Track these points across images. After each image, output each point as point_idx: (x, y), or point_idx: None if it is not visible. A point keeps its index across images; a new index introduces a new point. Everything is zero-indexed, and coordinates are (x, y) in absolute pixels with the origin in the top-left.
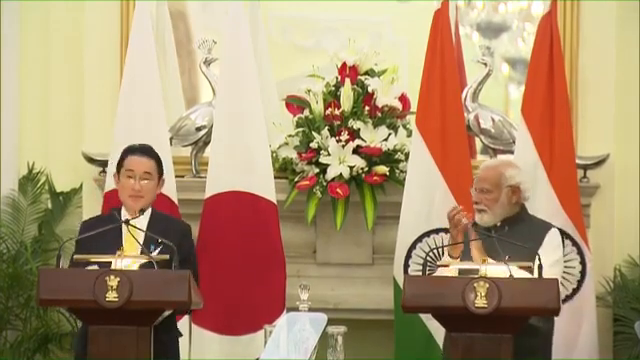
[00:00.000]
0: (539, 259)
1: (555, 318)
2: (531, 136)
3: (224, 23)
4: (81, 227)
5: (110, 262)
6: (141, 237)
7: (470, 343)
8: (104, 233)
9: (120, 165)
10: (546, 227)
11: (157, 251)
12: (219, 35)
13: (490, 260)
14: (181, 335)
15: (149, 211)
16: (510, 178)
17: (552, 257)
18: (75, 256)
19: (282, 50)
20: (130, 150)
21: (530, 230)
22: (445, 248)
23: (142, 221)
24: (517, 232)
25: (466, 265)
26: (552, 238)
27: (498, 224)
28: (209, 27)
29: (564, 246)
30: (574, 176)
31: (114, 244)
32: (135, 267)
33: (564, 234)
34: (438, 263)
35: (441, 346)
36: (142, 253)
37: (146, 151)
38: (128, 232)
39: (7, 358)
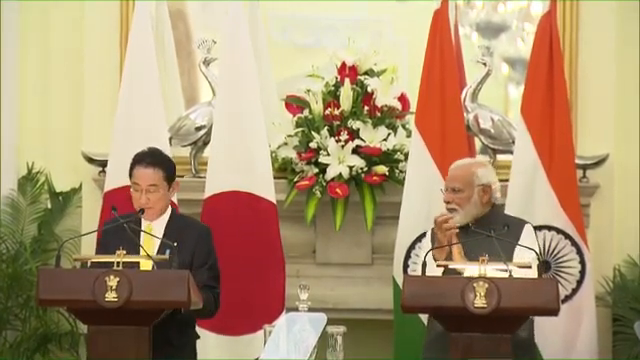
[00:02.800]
0: (538, 259)
1: (554, 318)
2: (530, 136)
3: (224, 23)
4: (104, 225)
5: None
6: (156, 239)
7: (469, 343)
8: (125, 234)
9: (130, 174)
10: (520, 224)
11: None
12: (219, 35)
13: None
14: (198, 337)
15: (168, 213)
16: (482, 177)
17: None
18: (74, 255)
19: (282, 50)
20: (138, 160)
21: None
22: (430, 251)
23: (160, 223)
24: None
25: (452, 264)
26: (527, 235)
27: (471, 224)
28: (209, 27)
29: (538, 241)
30: (574, 176)
31: (132, 245)
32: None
33: (565, 234)
34: (437, 263)
35: None
36: (159, 252)
37: (152, 162)
38: (144, 234)
39: (6, 358)
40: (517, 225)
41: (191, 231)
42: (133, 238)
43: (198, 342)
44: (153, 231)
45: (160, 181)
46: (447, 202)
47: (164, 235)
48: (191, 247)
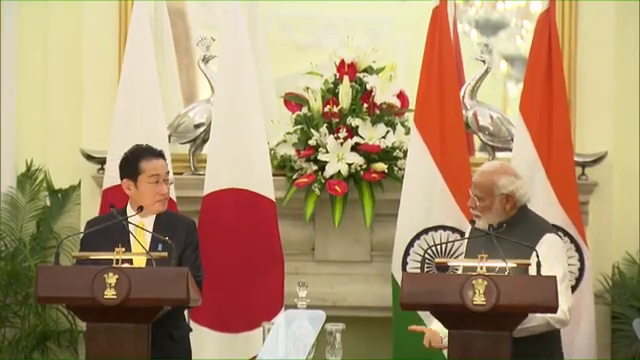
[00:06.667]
0: (537, 256)
1: None
2: (529, 133)
3: (223, 21)
4: (86, 226)
5: (110, 259)
6: (147, 235)
7: (469, 341)
8: (109, 232)
9: (136, 171)
10: (540, 232)
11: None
12: (218, 33)
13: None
14: (191, 330)
15: None
16: (502, 187)
17: (557, 273)
18: (74, 253)
19: (281, 47)
20: (143, 154)
21: (525, 234)
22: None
23: (149, 220)
24: (511, 235)
25: (452, 262)
26: (549, 249)
27: (495, 226)
28: (207, 24)
29: (566, 249)
30: (572, 173)
31: (120, 243)
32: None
33: (564, 232)
34: (436, 261)
35: None
36: (152, 249)
37: (159, 153)
38: (135, 231)
39: (5, 356)
40: (536, 233)
41: (180, 226)
42: (121, 236)
43: (197, 339)
44: (144, 225)
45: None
46: (470, 207)
47: (154, 231)
48: (182, 241)
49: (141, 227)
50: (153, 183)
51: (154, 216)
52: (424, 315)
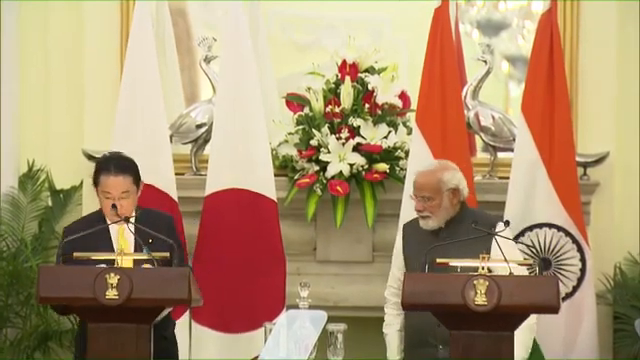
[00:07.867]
0: (538, 256)
1: (555, 316)
2: (531, 134)
3: (224, 21)
4: (65, 232)
5: (108, 260)
6: (129, 238)
7: (470, 341)
8: (92, 235)
9: (96, 181)
10: (491, 225)
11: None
12: (219, 32)
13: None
14: (174, 324)
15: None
16: (448, 181)
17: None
18: (75, 254)
19: (282, 48)
20: (104, 168)
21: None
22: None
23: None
24: (462, 231)
25: (454, 262)
26: (502, 239)
27: (442, 226)
28: (209, 24)
29: (516, 238)
30: (574, 174)
31: (104, 246)
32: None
33: (565, 232)
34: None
35: None
36: (136, 251)
37: (120, 169)
38: (118, 233)
39: (7, 356)
40: (487, 225)
41: (160, 222)
42: (103, 240)
43: (198, 339)
44: (125, 229)
45: (131, 186)
46: (419, 210)
47: (136, 230)
48: (165, 236)
49: (132, 223)
50: (104, 199)
51: (133, 217)
52: None
